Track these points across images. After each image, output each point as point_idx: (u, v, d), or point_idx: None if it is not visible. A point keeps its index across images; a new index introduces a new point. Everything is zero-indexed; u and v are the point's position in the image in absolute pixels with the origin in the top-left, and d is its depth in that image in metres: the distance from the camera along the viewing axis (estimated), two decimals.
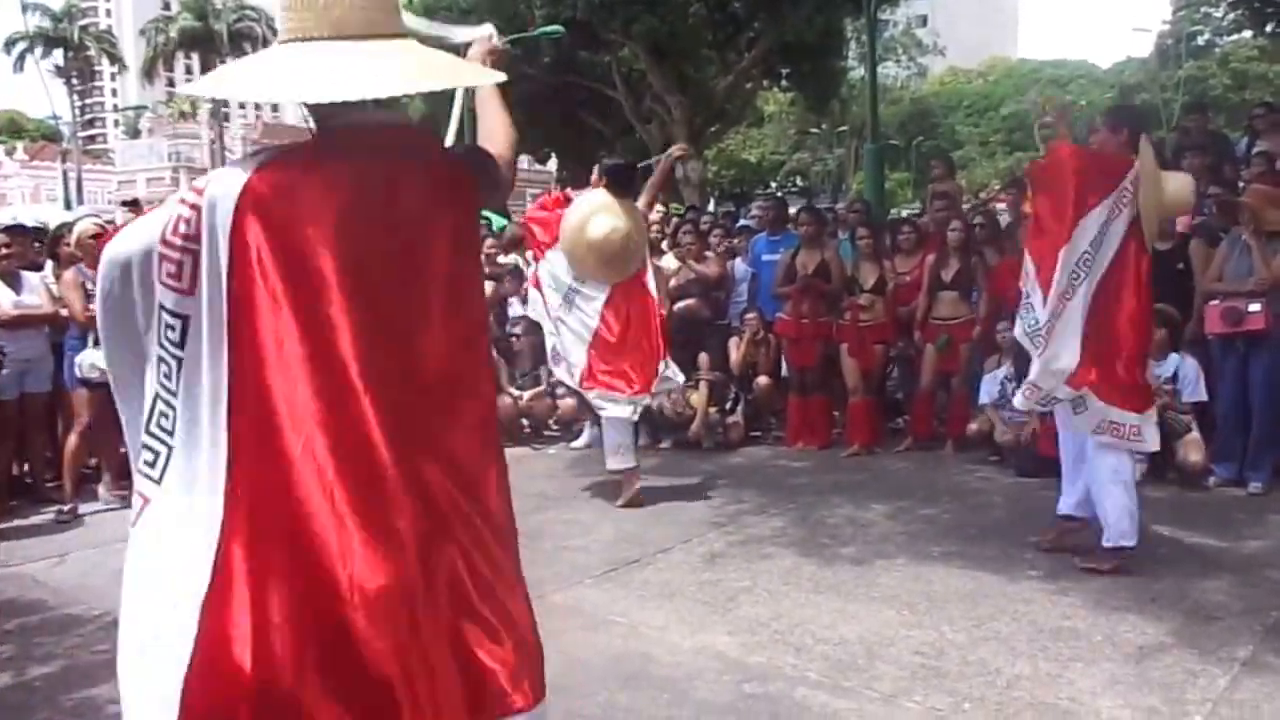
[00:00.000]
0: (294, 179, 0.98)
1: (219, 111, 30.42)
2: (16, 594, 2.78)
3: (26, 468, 3.98)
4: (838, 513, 3.38)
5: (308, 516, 0.93)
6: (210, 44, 31.07)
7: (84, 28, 33.75)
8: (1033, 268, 2.66)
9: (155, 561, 0.98)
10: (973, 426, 4.15)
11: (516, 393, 4.83)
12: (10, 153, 31.46)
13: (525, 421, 4.89)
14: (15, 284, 3.67)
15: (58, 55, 30.70)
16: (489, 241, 5.41)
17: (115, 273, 1.01)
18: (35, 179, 29.15)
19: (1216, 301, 3.53)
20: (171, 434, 1.00)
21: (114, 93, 56.20)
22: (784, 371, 4.70)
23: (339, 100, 0.96)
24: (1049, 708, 1.91)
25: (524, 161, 21.54)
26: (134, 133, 37.97)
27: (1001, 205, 5.39)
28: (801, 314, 4.46)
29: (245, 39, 32.08)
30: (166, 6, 42.94)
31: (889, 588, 2.60)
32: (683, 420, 4.54)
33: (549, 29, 11.85)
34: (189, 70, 43.43)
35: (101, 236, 3.83)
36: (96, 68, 37.59)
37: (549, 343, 3.71)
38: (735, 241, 5.46)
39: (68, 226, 4.12)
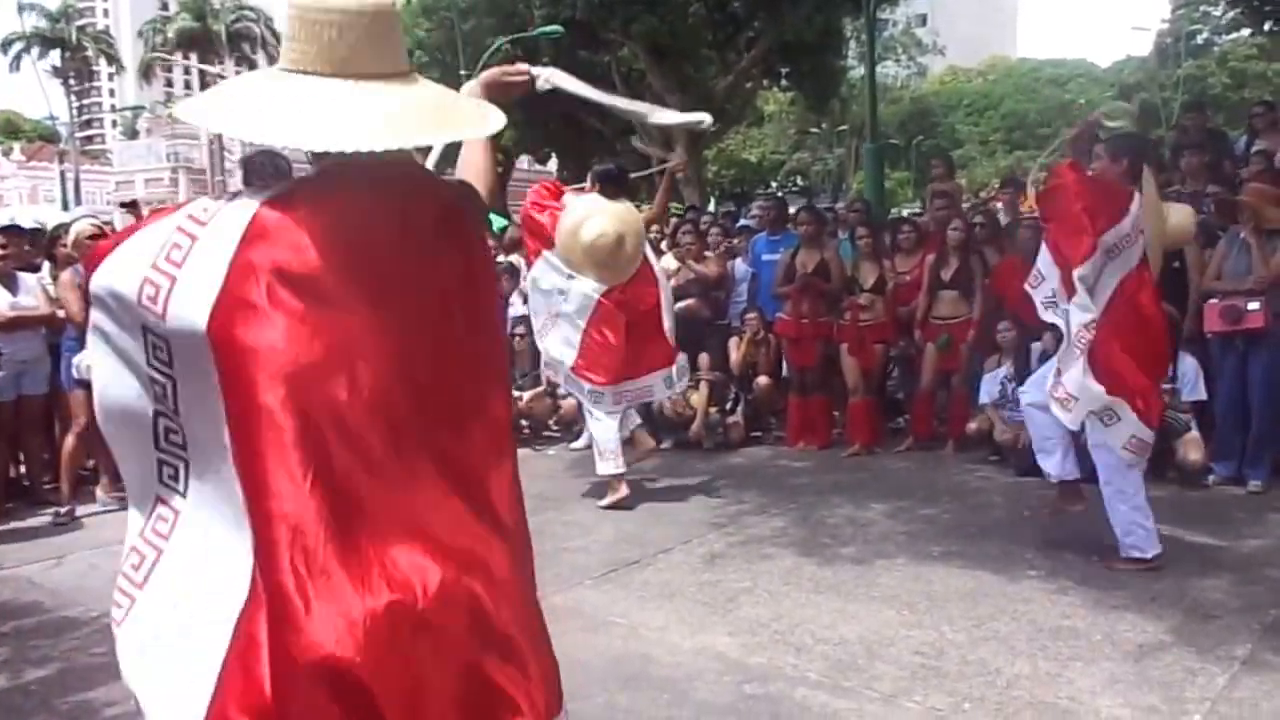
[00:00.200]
0: (301, 217, 0.96)
1: None
2: (13, 596, 2.78)
3: (23, 470, 3.98)
4: (838, 513, 3.38)
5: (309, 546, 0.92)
6: (208, 44, 31.05)
7: (81, 28, 33.70)
8: (1056, 272, 2.65)
9: (189, 571, 0.97)
10: (972, 426, 4.15)
11: (516, 394, 4.82)
12: (7, 153, 31.41)
13: (525, 423, 4.89)
14: (12, 285, 3.66)
15: (55, 56, 30.66)
16: (489, 242, 5.41)
17: (109, 289, 0.99)
18: (33, 180, 29.11)
19: (1215, 300, 3.53)
20: (184, 448, 0.99)
21: (111, 93, 56.13)
22: (784, 371, 4.70)
23: (332, 150, 0.94)
24: (1049, 707, 1.91)
25: (524, 161, 21.51)
26: (132, 133, 37.90)
27: (999, 205, 5.39)
28: (801, 314, 4.46)
29: (244, 39, 32.07)
30: (164, 7, 42.93)
31: (889, 588, 2.60)
32: (683, 420, 4.54)
33: (548, 29, 11.84)
34: (187, 71, 43.41)
35: (99, 238, 3.85)
36: (94, 68, 37.54)
37: (543, 345, 3.70)
38: (735, 241, 5.46)
39: (65, 227, 4.10)
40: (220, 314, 0.93)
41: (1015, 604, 2.45)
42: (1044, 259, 2.71)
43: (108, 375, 1.03)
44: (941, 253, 4.35)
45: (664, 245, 5.27)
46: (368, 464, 0.94)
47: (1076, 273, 2.53)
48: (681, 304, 4.80)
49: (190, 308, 0.94)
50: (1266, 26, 12.10)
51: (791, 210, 5.56)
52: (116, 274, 0.99)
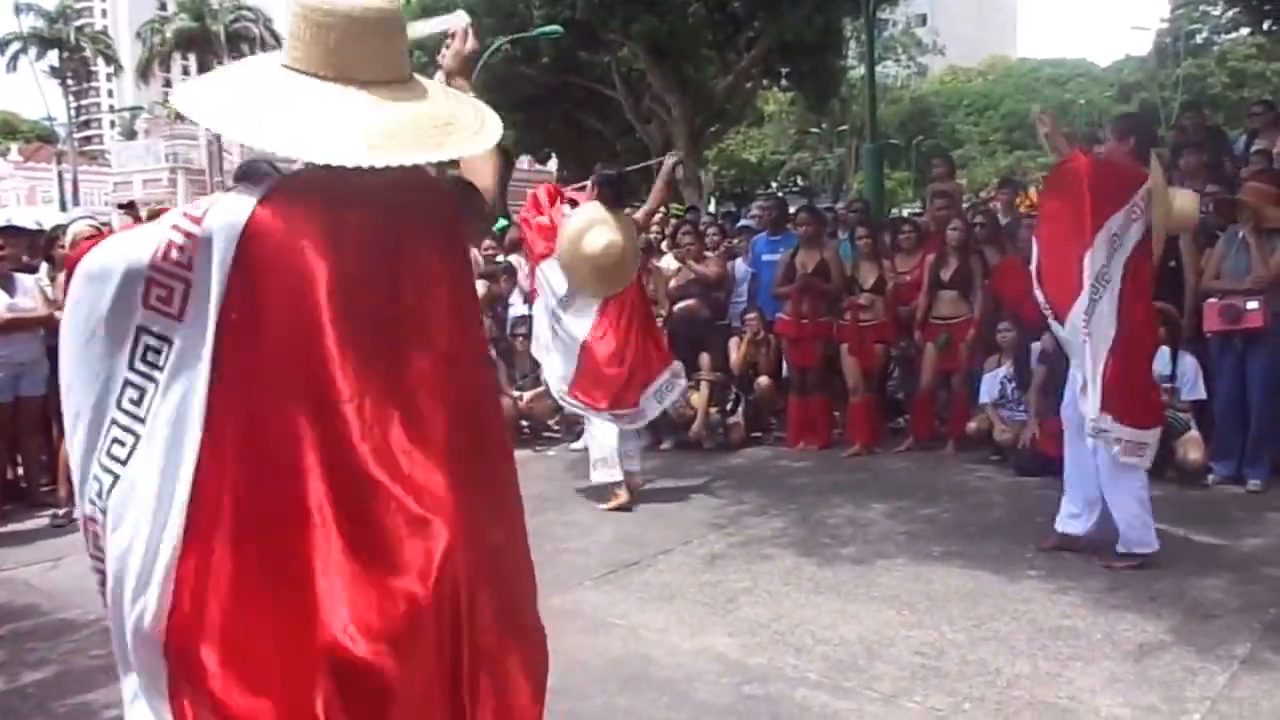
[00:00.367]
0: (298, 216, 0.96)
1: None
2: (10, 599, 2.77)
3: (21, 472, 3.97)
4: (838, 513, 3.38)
5: (294, 553, 0.93)
6: (207, 45, 30.99)
7: (79, 28, 33.64)
8: (1042, 289, 2.66)
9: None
10: (972, 425, 4.15)
11: (516, 394, 4.82)
12: (5, 154, 31.30)
13: (525, 423, 4.88)
14: (9, 287, 3.66)
15: (52, 56, 30.61)
16: (488, 243, 5.41)
17: (93, 289, 0.99)
18: (30, 180, 29.05)
19: (1214, 299, 3.53)
20: (125, 463, 0.99)
21: (110, 94, 56.09)
22: (784, 372, 4.69)
23: (331, 164, 0.94)
24: (1049, 706, 1.90)
25: (524, 162, 21.50)
26: (130, 134, 37.87)
27: (997, 205, 5.39)
28: (801, 314, 4.46)
29: (242, 39, 31.99)
30: (163, 7, 42.88)
31: (889, 588, 2.60)
32: (683, 421, 4.54)
33: (548, 29, 11.84)
34: (185, 71, 43.24)
35: (97, 239, 3.84)
36: (92, 68, 37.49)
37: (542, 350, 3.70)
38: (735, 242, 5.45)
39: (62, 228, 4.10)
40: (225, 313, 0.94)
41: (1015, 604, 2.45)
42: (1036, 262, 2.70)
43: (72, 368, 1.01)
44: (941, 253, 4.35)
45: (664, 245, 5.27)
46: (354, 477, 0.95)
47: (1087, 256, 2.50)
48: (681, 304, 4.80)
49: (199, 304, 0.95)
50: (1266, 26, 12.10)
51: (791, 210, 5.57)
52: (116, 266, 0.98)
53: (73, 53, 31.36)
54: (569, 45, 12.56)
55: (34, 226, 4.87)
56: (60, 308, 3.74)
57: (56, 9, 31.59)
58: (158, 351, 0.97)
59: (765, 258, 4.96)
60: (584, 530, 3.26)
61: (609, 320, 3.48)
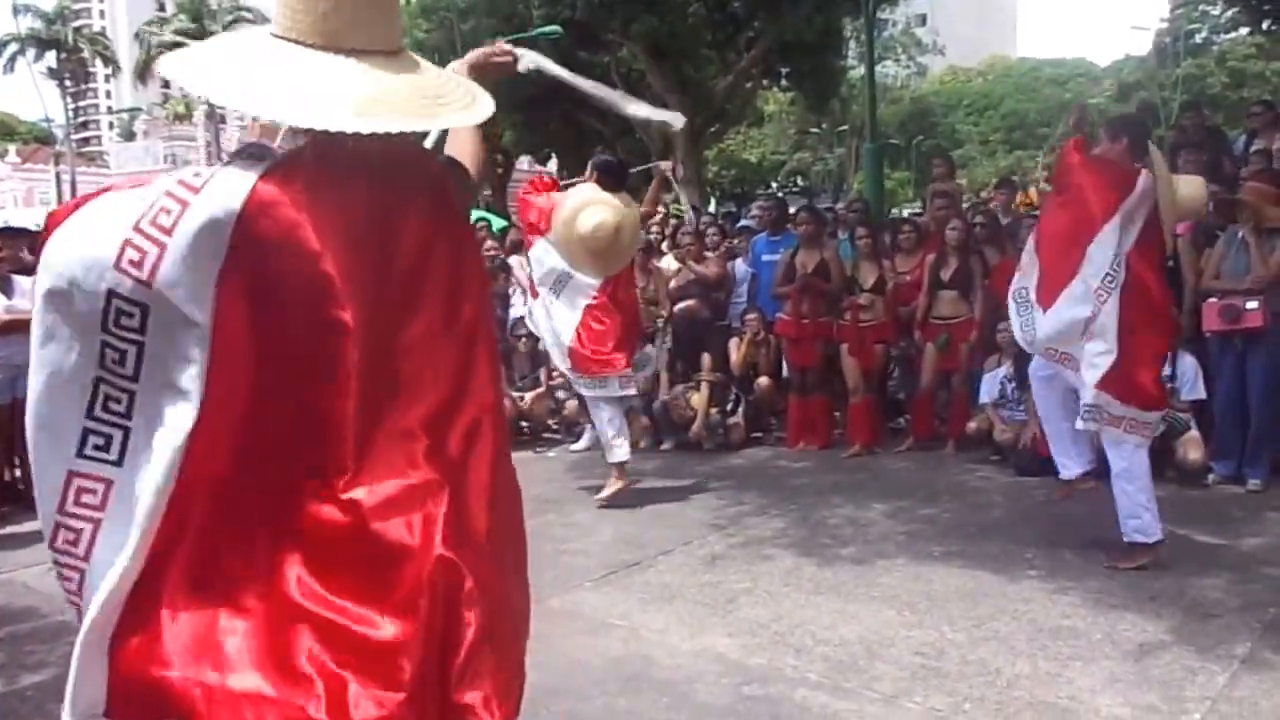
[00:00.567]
0: (300, 190, 0.95)
1: (214, 114, 30.38)
2: (8, 601, 2.77)
3: (18, 473, 3.97)
4: (838, 513, 3.38)
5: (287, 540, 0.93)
6: None
7: (77, 29, 33.60)
8: (1035, 274, 2.68)
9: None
10: (972, 425, 4.15)
11: (516, 394, 4.82)
12: (2, 155, 31.27)
13: (525, 424, 4.88)
14: (8, 288, 3.66)
15: (50, 57, 30.59)
16: (489, 243, 5.41)
17: (69, 246, 0.95)
18: (28, 182, 29.04)
19: (1214, 299, 3.53)
20: (128, 416, 0.97)
21: (108, 95, 56.07)
22: (784, 372, 4.69)
23: (318, 128, 0.93)
24: (1049, 707, 1.90)
25: (524, 162, 21.51)
26: (128, 135, 37.87)
27: (995, 206, 5.39)
28: (801, 314, 4.45)
29: None
30: (161, 8, 42.85)
31: (889, 588, 2.60)
32: (684, 421, 4.54)
33: (547, 29, 11.84)
34: None
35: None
36: (90, 70, 37.46)
37: (542, 329, 3.69)
38: (735, 242, 5.45)
39: None
40: (220, 286, 0.92)
41: (1015, 604, 2.45)
42: (1028, 252, 2.72)
43: (42, 337, 1.00)
44: (941, 253, 4.35)
45: (664, 246, 5.27)
46: (350, 459, 0.94)
47: (1094, 242, 2.52)
48: (682, 305, 4.80)
49: (184, 273, 0.92)
50: (1265, 26, 12.12)
51: (791, 210, 5.57)
52: (88, 234, 0.95)
53: (71, 54, 31.33)
54: (568, 45, 12.54)
55: (33, 228, 4.86)
56: None
57: (54, 10, 31.56)
58: (129, 314, 0.94)
59: (765, 258, 4.96)
60: (584, 531, 3.26)
61: (609, 293, 3.48)
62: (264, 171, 0.96)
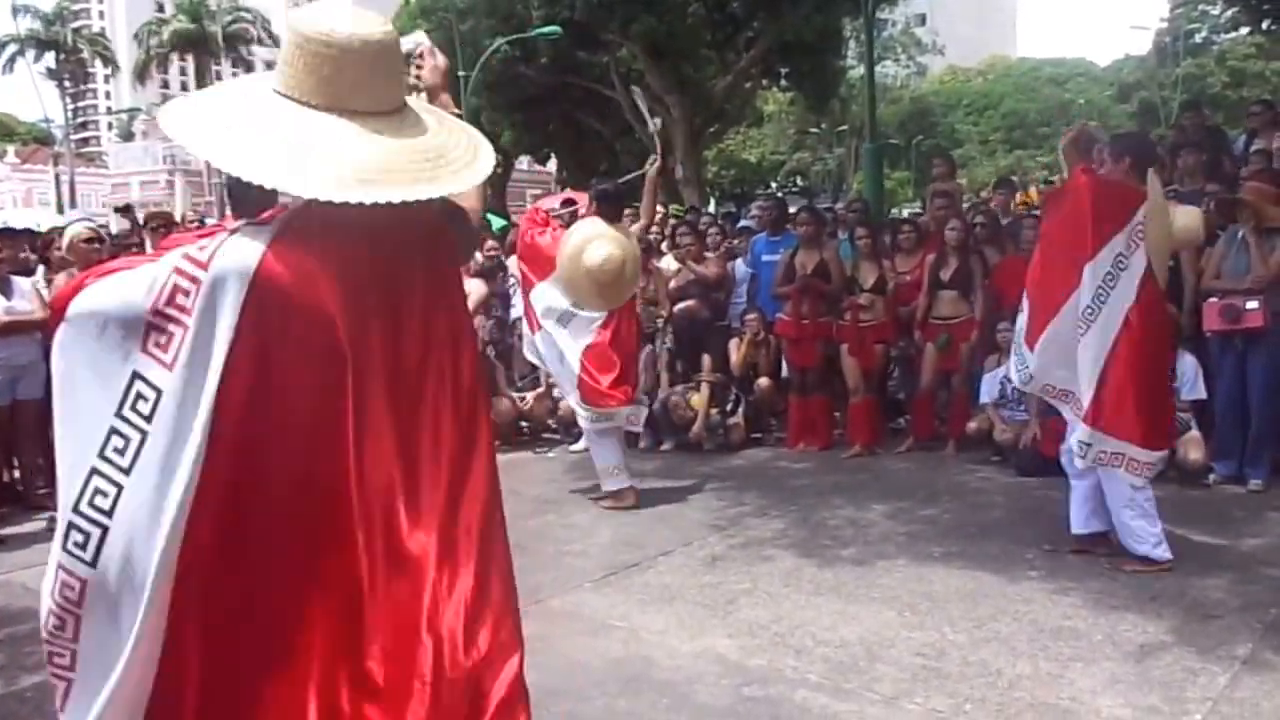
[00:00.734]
0: (311, 258, 0.95)
1: None
2: (7, 602, 2.77)
3: (17, 475, 3.96)
4: (838, 514, 3.37)
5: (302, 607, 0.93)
6: (204, 46, 30.98)
7: (77, 30, 33.60)
8: (1026, 305, 2.70)
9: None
10: (972, 425, 4.14)
11: (515, 395, 4.81)
12: (2, 156, 31.27)
13: (524, 425, 4.88)
14: (7, 289, 3.65)
15: (50, 58, 30.58)
16: (489, 243, 5.41)
17: (90, 328, 0.95)
18: (27, 182, 29.03)
19: (1214, 299, 3.52)
20: (109, 514, 0.95)
21: (107, 95, 56.05)
22: (784, 372, 4.68)
23: (322, 200, 0.92)
24: (1050, 708, 1.90)
25: (523, 162, 21.51)
26: (127, 135, 37.83)
27: (994, 206, 5.39)
28: (801, 314, 4.45)
29: (240, 41, 31.98)
30: (160, 9, 42.83)
31: (890, 589, 2.60)
32: (684, 422, 4.53)
33: (546, 29, 11.84)
34: (183, 73, 43.26)
35: (94, 241, 3.82)
36: (89, 70, 37.46)
37: (546, 361, 3.70)
38: (735, 243, 5.45)
39: (59, 230, 4.09)
40: (234, 362, 0.92)
41: (1016, 604, 2.45)
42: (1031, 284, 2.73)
43: (60, 414, 0.98)
44: (941, 253, 4.35)
45: (664, 246, 5.26)
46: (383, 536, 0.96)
47: (1088, 269, 2.52)
48: (681, 305, 4.80)
49: (194, 359, 0.92)
50: (1265, 25, 12.12)
51: (791, 211, 5.56)
52: (115, 307, 0.95)
53: (70, 54, 31.32)
54: (568, 46, 12.56)
55: (34, 228, 4.86)
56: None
57: (54, 10, 31.55)
58: (145, 399, 0.93)
59: (765, 258, 4.95)
60: (584, 532, 3.26)
61: (613, 326, 3.49)
62: (270, 241, 0.95)
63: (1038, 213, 4.15)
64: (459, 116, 1.20)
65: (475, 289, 4.50)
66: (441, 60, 1.20)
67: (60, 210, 18.55)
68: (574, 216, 3.87)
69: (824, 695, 1.98)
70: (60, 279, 3.60)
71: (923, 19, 37.38)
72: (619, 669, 2.14)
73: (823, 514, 3.37)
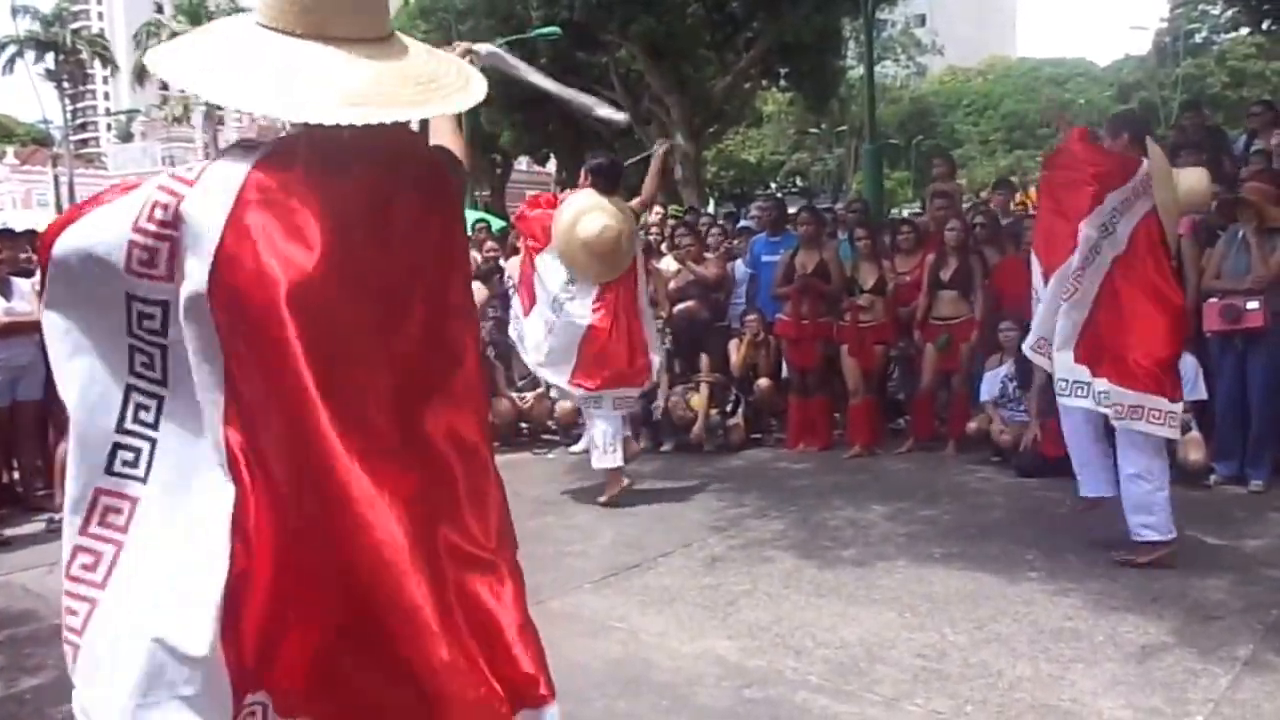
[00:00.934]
0: (295, 178, 0.94)
1: (213, 115, 30.39)
2: (7, 604, 2.77)
3: (17, 476, 3.96)
4: (839, 515, 3.37)
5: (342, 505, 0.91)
6: None
7: (75, 31, 33.61)
8: (1039, 266, 2.70)
9: (163, 556, 0.93)
10: (972, 425, 4.14)
11: (516, 395, 4.81)
12: (1, 157, 31.30)
13: (524, 425, 4.87)
14: (6, 290, 3.65)
15: (49, 59, 30.59)
16: (489, 244, 5.41)
17: (76, 261, 0.94)
18: (26, 183, 29.06)
19: (1215, 299, 3.52)
20: (154, 426, 0.95)
21: (106, 96, 56.05)
22: (784, 373, 4.68)
23: (302, 120, 0.92)
24: (1051, 709, 1.90)
25: (522, 163, 21.50)
26: (126, 136, 37.87)
27: (993, 207, 5.39)
28: (801, 315, 4.45)
29: None
30: (159, 10, 42.83)
31: (890, 590, 2.59)
32: (684, 423, 4.53)
33: (546, 30, 11.83)
34: None
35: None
36: (89, 71, 37.47)
37: (529, 347, 3.67)
38: (735, 243, 5.44)
39: None
40: (219, 274, 0.91)
41: (1017, 605, 2.44)
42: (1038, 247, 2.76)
43: (69, 351, 0.97)
44: (941, 253, 4.35)
45: (663, 247, 5.26)
46: (378, 445, 0.94)
47: (1083, 227, 2.54)
48: (681, 306, 4.80)
49: (192, 266, 0.91)
50: (1265, 25, 12.12)
51: (791, 211, 5.55)
52: (93, 239, 0.94)
53: (69, 55, 31.34)
54: (567, 46, 12.54)
55: (35, 229, 4.85)
56: None
57: (53, 11, 31.57)
58: (150, 316, 0.93)
59: (765, 259, 4.95)
60: (584, 533, 3.25)
61: (609, 304, 3.48)
62: (257, 160, 0.95)
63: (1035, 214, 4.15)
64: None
65: (475, 292, 4.50)
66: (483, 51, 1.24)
67: (59, 211, 18.50)
68: None
69: (824, 697, 1.98)
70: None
71: (922, 19, 37.43)
72: (619, 670, 2.13)
73: (823, 515, 3.37)
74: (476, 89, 1.03)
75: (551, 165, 21.29)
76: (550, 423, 4.94)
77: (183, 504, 0.95)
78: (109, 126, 49.21)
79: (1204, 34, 27.04)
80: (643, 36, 11.47)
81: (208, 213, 0.92)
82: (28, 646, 2.41)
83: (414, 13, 15.59)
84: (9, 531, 3.52)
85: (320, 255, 0.93)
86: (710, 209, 14.06)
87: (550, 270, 3.55)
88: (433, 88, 0.99)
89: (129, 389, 0.96)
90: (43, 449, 3.98)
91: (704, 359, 4.62)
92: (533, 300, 3.65)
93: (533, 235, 3.66)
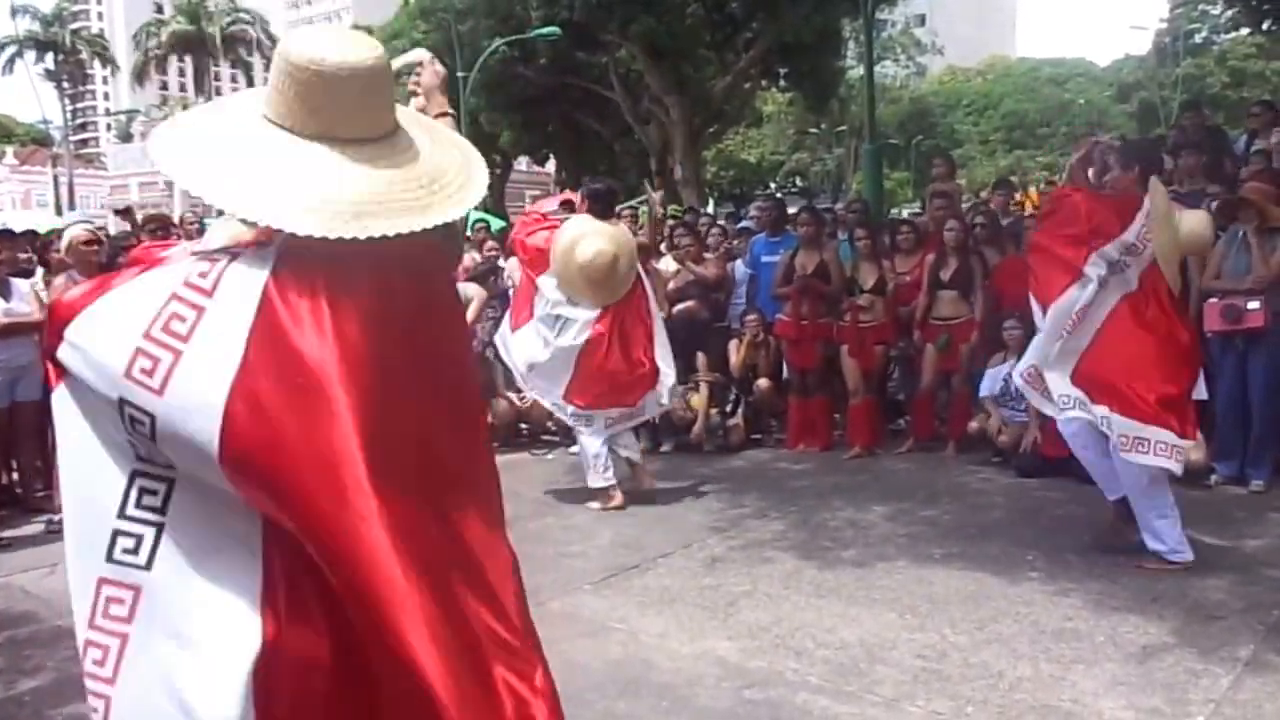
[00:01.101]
0: (316, 281, 0.94)
1: None
2: (6, 605, 2.76)
3: (16, 477, 3.95)
4: (839, 515, 3.36)
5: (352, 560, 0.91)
6: (202, 48, 31.01)
7: (75, 31, 33.64)
8: (1035, 303, 2.73)
9: (169, 645, 0.93)
10: (973, 425, 4.14)
11: (515, 396, 4.80)
12: (0, 158, 31.28)
13: (524, 426, 4.87)
14: (5, 291, 3.65)
15: (48, 59, 30.60)
16: (489, 244, 5.40)
17: (82, 355, 0.95)
18: (26, 184, 29.04)
19: (1215, 299, 3.52)
20: (162, 511, 0.95)
21: (106, 96, 56.06)
22: (784, 373, 4.68)
23: (317, 236, 0.92)
24: (1051, 710, 1.89)
25: (522, 163, 21.50)
26: (126, 136, 37.83)
27: (993, 208, 5.38)
28: (801, 315, 4.44)
29: (238, 42, 32.00)
30: (159, 10, 42.84)
31: (890, 590, 2.59)
32: (683, 423, 4.53)
33: (545, 30, 11.84)
34: (181, 74, 43.19)
35: (93, 243, 3.81)
36: (88, 71, 37.49)
37: (519, 359, 3.68)
38: (735, 243, 5.44)
39: (58, 232, 4.08)
40: (240, 389, 0.90)
41: (1017, 606, 2.44)
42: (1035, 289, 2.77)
43: (79, 436, 0.98)
44: (941, 253, 4.34)
45: (663, 247, 5.26)
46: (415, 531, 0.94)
47: (1088, 268, 2.56)
48: (681, 306, 4.79)
49: (202, 383, 0.91)
50: (1265, 25, 12.12)
51: (791, 211, 5.54)
52: (98, 339, 0.95)
53: (69, 56, 31.35)
54: (567, 46, 12.55)
55: (36, 229, 4.85)
56: None
57: (52, 12, 31.59)
58: (140, 423, 0.93)
59: (764, 259, 4.94)
60: (583, 534, 3.25)
61: (608, 324, 3.49)
62: (274, 265, 0.95)
63: (1035, 215, 4.16)
64: (454, 116, 1.21)
65: (475, 294, 4.51)
66: (440, 68, 1.22)
67: (59, 212, 18.56)
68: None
69: (825, 697, 1.98)
70: (59, 281, 3.59)
71: (922, 19, 37.46)
72: (618, 671, 2.13)
73: (823, 515, 3.36)
74: (478, 182, 1.04)
75: (551, 165, 21.29)
76: (550, 423, 4.93)
77: (199, 586, 0.94)
78: (109, 126, 49.21)
79: (1204, 34, 27.05)
80: (643, 36, 11.47)
81: (227, 328, 0.92)
82: (27, 649, 2.40)
83: (414, 13, 15.60)
84: (8, 533, 3.51)
85: (355, 352, 0.93)
86: (710, 209, 14.04)
87: (551, 289, 3.56)
88: (436, 189, 0.99)
89: (134, 474, 0.95)
90: (42, 450, 3.97)
91: (703, 359, 4.62)
92: (529, 313, 3.65)
93: (530, 262, 3.65)
